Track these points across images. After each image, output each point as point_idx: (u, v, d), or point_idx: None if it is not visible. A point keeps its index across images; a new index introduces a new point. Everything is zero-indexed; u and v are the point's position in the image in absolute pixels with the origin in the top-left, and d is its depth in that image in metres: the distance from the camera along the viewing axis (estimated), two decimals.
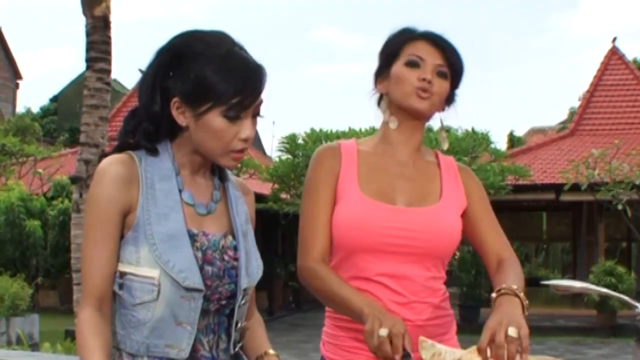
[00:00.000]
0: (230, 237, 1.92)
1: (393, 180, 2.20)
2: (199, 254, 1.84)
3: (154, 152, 1.88)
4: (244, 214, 1.98)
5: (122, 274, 1.82)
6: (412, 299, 2.14)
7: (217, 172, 1.99)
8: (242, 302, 1.90)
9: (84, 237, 1.85)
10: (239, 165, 17.14)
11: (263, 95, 1.85)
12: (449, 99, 2.27)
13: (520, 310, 1.89)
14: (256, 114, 1.86)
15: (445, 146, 2.34)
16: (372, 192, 2.16)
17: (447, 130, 2.34)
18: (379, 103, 2.31)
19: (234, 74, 1.80)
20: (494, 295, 1.95)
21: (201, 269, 1.83)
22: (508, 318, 1.81)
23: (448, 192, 2.23)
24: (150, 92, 1.87)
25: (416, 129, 2.25)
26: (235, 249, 1.90)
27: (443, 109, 2.28)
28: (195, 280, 1.80)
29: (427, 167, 2.27)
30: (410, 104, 2.18)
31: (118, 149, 1.91)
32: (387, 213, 2.14)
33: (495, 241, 2.23)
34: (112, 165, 1.84)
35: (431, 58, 2.20)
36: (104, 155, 1.92)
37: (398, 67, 2.22)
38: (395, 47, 2.24)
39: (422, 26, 2.28)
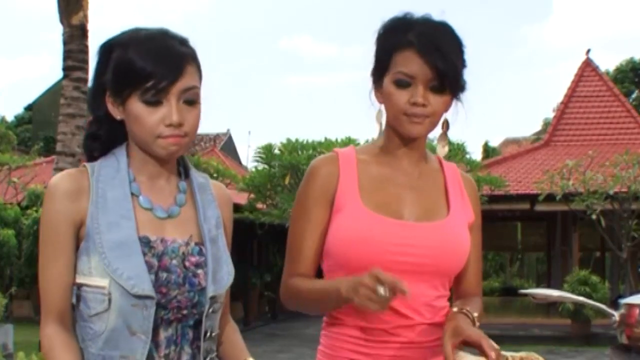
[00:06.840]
0: (193, 244, 1.86)
1: (398, 191, 2.01)
2: (154, 260, 1.79)
3: (105, 155, 1.87)
4: (214, 218, 1.92)
5: (78, 286, 1.79)
6: (418, 321, 1.99)
7: (184, 177, 1.95)
8: (210, 310, 1.84)
9: (39, 255, 1.83)
10: (217, 170, 17.14)
11: (193, 82, 1.80)
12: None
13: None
14: (191, 100, 1.80)
15: (443, 154, 2.11)
16: (376, 205, 1.97)
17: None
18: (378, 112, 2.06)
19: (148, 58, 1.75)
20: (455, 309, 1.95)
21: (156, 275, 1.78)
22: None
23: (455, 205, 2.06)
24: (93, 94, 1.87)
25: (419, 138, 2.03)
26: (200, 254, 1.85)
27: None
28: (145, 287, 1.74)
29: (433, 176, 2.08)
30: (402, 129, 1.98)
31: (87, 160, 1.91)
32: (393, 228, 1.96)
33: (474, 279, 2.14)
34: (59, 180, 1.83)
35: (422, 73, 1.92)
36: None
37: (387, 84, 1.97)
38: (384, 56, 1.98)
39: (416, 11, 1.99)
